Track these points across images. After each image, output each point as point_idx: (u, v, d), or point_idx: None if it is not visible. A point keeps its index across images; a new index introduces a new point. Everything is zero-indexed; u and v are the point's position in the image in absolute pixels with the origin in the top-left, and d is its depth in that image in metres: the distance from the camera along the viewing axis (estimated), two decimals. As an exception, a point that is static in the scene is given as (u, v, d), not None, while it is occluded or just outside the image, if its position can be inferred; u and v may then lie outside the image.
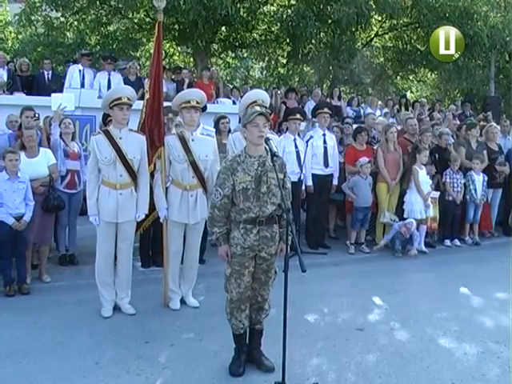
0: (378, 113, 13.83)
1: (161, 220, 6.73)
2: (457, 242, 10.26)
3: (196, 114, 6.58)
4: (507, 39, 19.36)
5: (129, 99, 6.39)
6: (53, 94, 8.19)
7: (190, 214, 6.60)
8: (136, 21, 19.88)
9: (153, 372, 5.06)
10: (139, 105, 11.06)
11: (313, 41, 18.92)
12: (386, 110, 14.76)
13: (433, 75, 24.52)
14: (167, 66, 17.83)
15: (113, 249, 6.57)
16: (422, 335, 6.01)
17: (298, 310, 6.49)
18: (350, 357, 5.40)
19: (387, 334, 6.06)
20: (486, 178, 10.37)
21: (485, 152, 10.64)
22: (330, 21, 18.23)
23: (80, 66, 13.11)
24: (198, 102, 6.57)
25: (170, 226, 6.76)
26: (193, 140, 6.57)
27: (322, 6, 18.28)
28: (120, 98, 6.28)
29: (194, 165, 6.53)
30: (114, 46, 19.57)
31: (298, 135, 9.49)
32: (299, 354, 5.35)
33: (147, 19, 19.50)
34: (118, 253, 6.60)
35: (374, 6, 18.14)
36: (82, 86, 12.73)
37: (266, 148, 4.90)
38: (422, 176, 9.54)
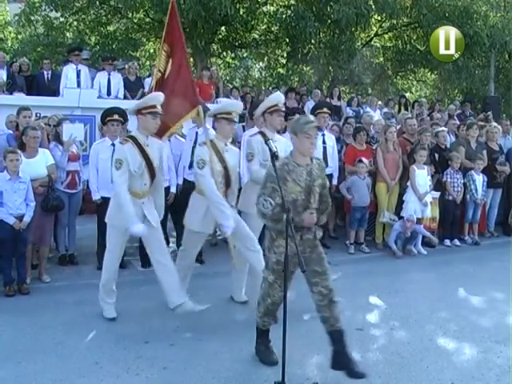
0: (377, 113, 13.82)
1: (227, 234, 6.35)
2: (456, 241, 10.25)
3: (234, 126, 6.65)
4: (507, 39, 19.35)
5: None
6: (65, 125, 8.22)
7: (216, 224, 6.49)
8: (136, 21, 19.90)
9: (152, 372, 5.06)
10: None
11: (312, 41, 18.91)
12: (385, 109, 14.75)
13: (432, 75, 24.51)
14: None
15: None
16: (421, 335, 6.01)
17: (298, 310, 6.48)
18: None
19: (387, 334, 6.07)
20: (485, 178, 10.36)
21: (484, 152, 10.64)
22: (329, 21, 18.22)
23: (73, 66, 13.10)
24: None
25: (191, 236, 6.66)
26: (227, 151, 6.51)
27: (321, 6, 18.27)
28: (155, 106, 6.05)
29: (227, 175, 6.46)
30: (114, 46, 19.60)
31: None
32: (299, 354, 5.34)
33: (147, 19, 19.53)
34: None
35: (373, 6, 18.14)
36: (78, 85, 12.72)
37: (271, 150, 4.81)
38: (422, 176, 9.54)
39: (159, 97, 6.15)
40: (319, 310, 5.02)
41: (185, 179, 8.69)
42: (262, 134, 6.87)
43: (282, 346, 4.58)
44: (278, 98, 7.23)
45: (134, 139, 6.05)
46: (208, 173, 6.18)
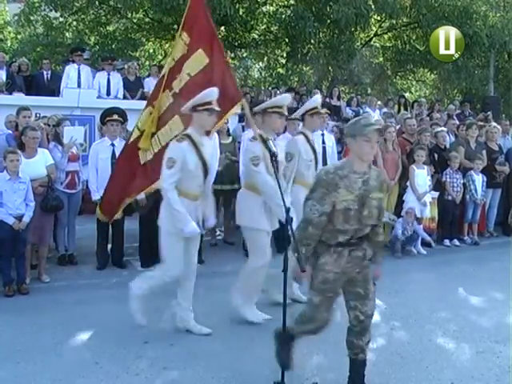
0: (377, 113, 13.82)
1: None
2: (456, 241, 10.25)
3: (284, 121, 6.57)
4: (506, 39, 19.36)
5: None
6: (65, 128, 8.22)
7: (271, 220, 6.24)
8: (135, 21, 19.90)
9: (152, 372, 5.06)
10: (137, 105, 11.09)
11: (312, 41, 18.93)
12: (385, 109, 14.75)
13: (432, 75, 24.52)
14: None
15: None
16: (421, 335, 6.01)
17: (297, 310, 6.48)
18: (346, 356, 5.38)
19: (386, 334, 6.07)
20: (485, 178, 10.37)
21: (484, 152, 10.65)
22: (328, 21, 18.23)
23: (75, 65, 13.12)
24: None
25: (258, 236, 6.23)
26: (275, 146, 6.27)
27: (320, 6, 18.28)
28: (210, 103, 5.71)
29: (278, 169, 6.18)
30: (113, 46, 19.59)
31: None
32: (299, 354, 5.33)
33: (146, 19, 19.52)
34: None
35: (373, 6, 18.15)
36: (79, 84, 12.73)
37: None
38: (421, 176, 9.55)
39: (214, 93, 5.82)
40: (349, 334, 4.63)
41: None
42: (304, 134, 6.99)
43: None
44: (318, 100, 7.32)
45: (189, 137, 5.71)
46: (264, 169, 5.96)
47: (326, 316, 4.52)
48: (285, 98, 6.61)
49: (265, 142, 6.02)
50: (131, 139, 7.15)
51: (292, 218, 4.78)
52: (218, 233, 10.21)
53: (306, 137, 6.97)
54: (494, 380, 5.01)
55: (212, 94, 5.78)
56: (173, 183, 5.61)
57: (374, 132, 4.27)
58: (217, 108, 5.81)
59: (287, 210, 4.66)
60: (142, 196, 8.04)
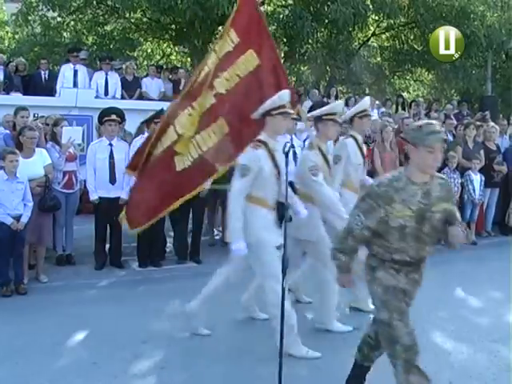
0: (375, 112, 13.82)
1: None
2: (454, 241, 10.24)
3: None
4: (504, 39, 19.37)
5: None
6: (64, 128, 8.22)
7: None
8: (133, 21, 19.84)
9: (150, 372, 5.06)
10: (135, 104, 11.10)
11: (310, 41, 18.89)
12: (383, 109, 14.76)
13: (430, 75, 24.52)
14: (164, 66, 17.85)
15: None
16: (419, 334, 5.96)
17: (296, 309, 6.48)
18: (347, 356, 5.37)
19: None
20: (483, 178, 10.38)
21: (482, 151, 10.66)
22: (326, 21, 18.20)
23: (71, 65, 13.11)
24: None
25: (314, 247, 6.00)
26: (330, 154, 6.23)
27: (318, 6, 18.27)
28: (285, 106, 5.41)
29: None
30: (111, 46, 19.56)
31: (295, 135, 9.48)
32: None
33: (144, 19, 19.48)
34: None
35: (370, 6, 18.14)
36: (75, 84, 12.72)
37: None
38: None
39: (287, 95, 5.54)
40: (363, 342, 4.54)
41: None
42: (354, 137, 6.84)
43: (280, 346, 4.56)
44: (368, 103, 7.28)
45: (265, 144, 5.36)
46: (322, 179, 5.72)
47: (406, 331, 4.05)
48: (338, 105, 6.44)
49: (320, 150, 5.94)
50: (167, 143, 6.48)
51: (291, 218, 4.73)
52: (216, 233, 10.21)
53: (356, 140, 6.82)
54: (491, 379, 5.01)
55: (285, 96, 5.50)
56: (243, 192, 5.25)
57: (439, 142, 3.89)
58: (291, 111, 5.59)
59: (287, 209, 4.61)
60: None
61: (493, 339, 5.89)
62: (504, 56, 21.28)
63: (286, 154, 4.65)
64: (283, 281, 4.51)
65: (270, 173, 5.29)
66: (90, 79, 13.15)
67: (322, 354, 5.40)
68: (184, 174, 6.39)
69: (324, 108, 6.13)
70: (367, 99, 7.48)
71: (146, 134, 8.29)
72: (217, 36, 19.61)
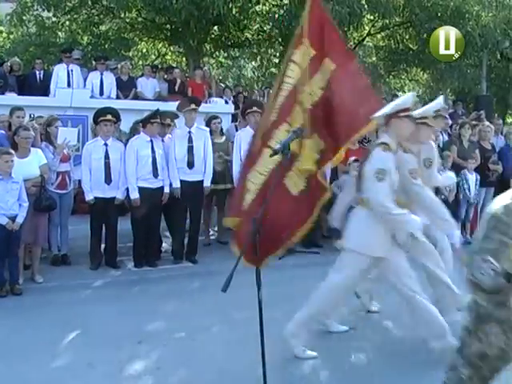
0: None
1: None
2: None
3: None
4: (499, 39, 19.40)
5: None
6: (60, 128, 8.22)
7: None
8: (128, 20, 19.84)
9: (146, 372, 5.05)
10: (130, 104, 11.08)
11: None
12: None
13: (425, 74, 24.58)
14: (159, 66, 17.84)
15: None
16: (415, 335, 5.99)
17: (290, 310, 6.47)
18: (342, 356, 5.39)
19: (380, 333, 6.07)
20: (478, 177, 10.40)
21: (477, 151, 10.68)
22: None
23: (64, 65, 13.09)
24: None
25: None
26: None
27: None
28: (409, 109, 5.20)
29: None
30: (106, 46, 19.56)
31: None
32: (291, 353, 5.34)
33: (139, 19, 19.48)
34: None
35: (366, 6, 18.15)
36: (69, 84, 12.70)
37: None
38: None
39: (411, 99, 5.33)
40: None
41: (182, 180, 8.55)
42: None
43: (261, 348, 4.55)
44: (442, 103, 6.77)
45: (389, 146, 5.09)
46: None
47: None
48: (409, 98, 5.53)
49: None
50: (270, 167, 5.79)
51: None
52: (212, 233, 10.21)
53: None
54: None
55: (409, 100, 5.31)
56: (388, 196, 4.98)
57: None
58: (415, 114, 5.36)
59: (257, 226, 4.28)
60: (136, 196, 8.06)
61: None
62: (499, 56, 21.31)
63: (277, 152, 4.59)
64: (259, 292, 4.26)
65: (395, 177, 5.09)
66: (85, 79, 13.13)
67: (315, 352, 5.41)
68: (300, 197, 5.87)
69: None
70: (441, 98, 6.72)
71: (143, 134, 8.29)
72: (212, 36, 19.67)
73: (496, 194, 10.93)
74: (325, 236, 10.26)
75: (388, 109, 5.17)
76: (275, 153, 4.55)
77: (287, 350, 5.28)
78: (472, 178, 10.32)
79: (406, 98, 5.37)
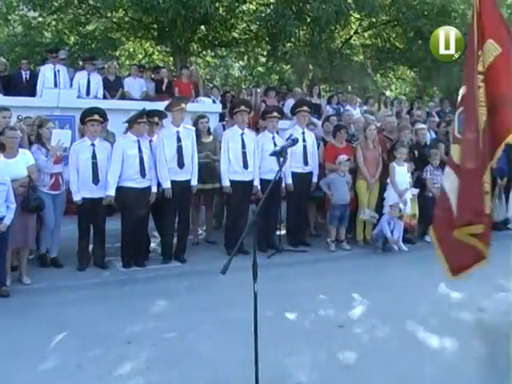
0: (357, 110, 13.87)
1: None
2: (436, 238, 10.31)
3: None
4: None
5: None
6: (54, 130, 8.20)
7: None
8: (115, 20, 19.79)
9: (135, 373, 5.04)
10: (117, 104, 11.03)
11: (292, 39, 18.93)
12: (365, 107, 14.80)
13: (412, 73, 24.62)
14: (146, 66, 17.81)
15: None
16: (403, 331, 6.04)
17: (279, 308, 6.51)
18: (330, 354, 5.41)
19: (368, 331, 6.08)
20: (465, 174, 10.44)
21: (464, 148, 10.72)
22: (309, 19, 18.25)
23: (51, 65, 13.03)
24: None
25: None
26: None
27: (301, 5, 18.29)
28: None
29: None
30: (93, 46, 19.48)
31: (277, 133, 9.52)
32: (281, 352, 5.35)
33: (126, 18, 19.43)
34: None
35: (352, 5, 18.20)
36: (56, 84, 12.64)
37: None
38: (401, 173, 9.61)
39: None
40: None
41: (172, 181, 8.48)
42: None
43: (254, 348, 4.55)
44: None
45: None
46: None
47: None
48: None
49: None
50: None
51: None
52: (200, 232, 10.21)
53: None
54: (474, 375, 5.04)
55: None
56: None
57: None
58: None
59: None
60: (112, 194, 8.05)
61: (475, 335, 5.92)
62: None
63: (276, 153, 4.66)
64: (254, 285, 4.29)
65: None
66: (71, 79, 13.06)
67: (303, 349, 5.42)
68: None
69: None
70: None
71: (130, 134, 8.27)
72: (199, 35, 19.65)
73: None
74: (312, 235, 10.31)
75: None
76: (274, 154, 4.71)
77: (279, 349, 5.29)
78: (459, 175, 10.36)
79: None
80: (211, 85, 17.43)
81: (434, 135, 11.63)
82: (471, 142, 5.63)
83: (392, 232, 9.37)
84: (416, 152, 10.28)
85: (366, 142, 9.75)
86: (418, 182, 10.11)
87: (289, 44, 19.47)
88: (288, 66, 22.50)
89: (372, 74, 23.60)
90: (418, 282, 7.97)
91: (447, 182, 5.82)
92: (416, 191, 9.89)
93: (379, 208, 9.73)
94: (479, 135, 5.39)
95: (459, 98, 6.16)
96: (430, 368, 5.16)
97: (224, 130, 10.16)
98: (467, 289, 7.54)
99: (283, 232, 9.81)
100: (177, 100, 9.11)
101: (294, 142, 4.89)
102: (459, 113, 6.17)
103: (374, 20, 20.58)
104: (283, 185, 9.28)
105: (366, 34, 22.28)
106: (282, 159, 4.64)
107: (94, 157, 8.11)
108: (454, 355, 5.49)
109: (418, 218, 10.07)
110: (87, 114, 8.24)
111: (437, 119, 12.97)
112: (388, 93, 25.00)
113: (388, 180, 9.66)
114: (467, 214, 5.53)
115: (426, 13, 18.86)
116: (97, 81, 12.99)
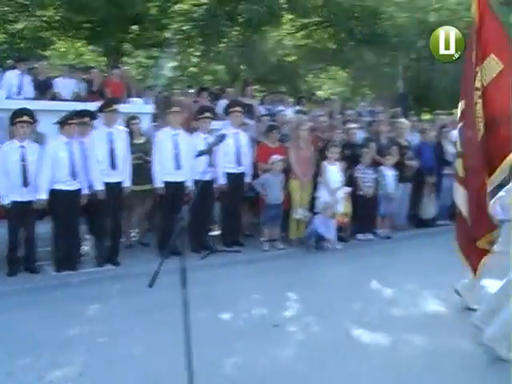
0: (290, 111, 13.95)
1: None
2: (369, 235, 10.51)
3: None
4: (414, 39, 19.95)
5: None
6: None
7: None
8: (45, 19, 19.39)
9: (67, 379, 4.95)
10: (48, 105, 10.77)
11: (225, 40, 18.96)
12: (298, 107, 14.91)
13: (343, 73, 24.99)
14: (77, 66, 17.51)
15: None
16: (337, 328, 6.11)
17: (213, 309, 6.52)
18: (266, 354, 5.44)
19: (303, 329, 6.13)
20: (396, 173, 10.66)
21: (394, 147, 10.94)
22: (241, 20, 18.30)
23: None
24: None
25: None
26: None
27: (233, 5, 18.33)
28: None
29: None
30: (22, 45, 19.04)
31: (210, 134, 9.50)
32: (216, 352, 5.35)
33: (56, 17, 19.06)
34: None
35: (285, 6, 18.34)
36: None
37: None
38: (333, 172, 9.74)
39: None
40: None
41: (104, 182, 8.37)
42: None
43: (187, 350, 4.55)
44: None
45: None
46: None
47: None
48: None
49: None
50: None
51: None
52: (133, 234, 10.11)
53: None
54: (406, 368, 5.14)
55: None
56: None
57: None
58: None
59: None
60: (44, 197, 7.90)
61: (408, 329, 6.05)
62: (414, 55, 21.89)
63: (202, 153, 4.63)
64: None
65: None
66: (0, 79, 12.75)
67: (237, 350, 5.43)
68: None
69: None
70: None
71: (60, 136, 8.12)
72: (132, 35, 19.46)
73: (413, 189, 11.30)
74: (246, 235, 10.33)
75: None
76: (200, 154, 4.87)
77: (214, 350, 5.29)
78: (390, 173, 10.58)
79: None
80: (143, 85, 17.27)
81: (365, 134, 11.80)
82: (471, 139, 6.24)
83: (325, 231, 9.48)
84: (347, 151, 10.44)
85: (299, 141, 9.83)
86: (350, 181, 10.27)
87: (221, 44, 19.48)
88: (221, 67, 22.51)
89: (304, 75, 23.86)
90: (350, 280, 8.10)
91: (457, 197, 6.64)
92: (348, 190, 10.03)
93: (312, 207, 9.83)
94: (477, 136, 6.03)
95: (458, 113, 6.57)
96: (364, 363, 5.25)
97: (156, 130, 10.09)
98: (398, 285, 7.72)
99: (217, 232, 9.81)
100: (109, 101, 9.00)
101: (221, 138, 4.76)
102: (460, 127, 6.61)
103: (307, 21, 20.79)
104: (216, 185, 9.30)
105: (298, 35, 22.48)
106: (210, 158, 4.57)
107: (23, 159, 7.93)
108: (387, 349, 5.59)
109: (351, 217, 10.23)
110: (16, 115, 8.05)
111: (368, 119, 13.19)
112: (320, 93, 25.26)
113: (320, 179, 9.78)
114: (484, 224, 6.17)
115: (356, 14, 19.17)
116: (27, 81, 12.70)
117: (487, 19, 6.27)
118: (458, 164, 6.68)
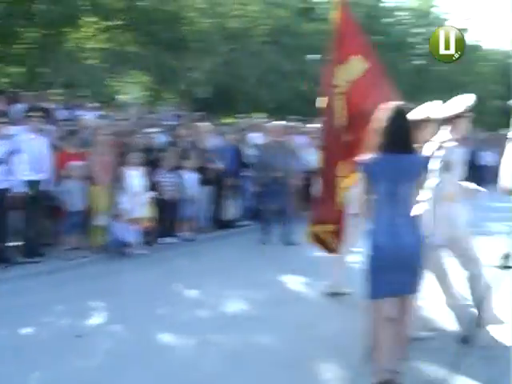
0: (91, 115, 13.67)
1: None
2: (173, 239, 10.57)
3: None
4: (217, 44, 20.42)
5: None
6: None
7: None
8: None
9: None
10: None
11: (22, 40, 18.16)
12: (98, 112, 14.65)
13: (147, 77, 24.91)
14: None
15: None
16: (142, 334, 6.04)
17: (14, 324, 6.24)
18: (70, 365, 5.27)
19: (107, 338, 6.02)
20: (197, 176, 10.82)
21: (196, 151, 11.10)
22: (37, 20, 17.61)
23: None
24: None
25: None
26: None
27: (29, 4, 17.59)
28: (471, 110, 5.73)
29: None
30: None
31: (5, 139, 9.03)
32: (18, 369, 5.08)
33: None
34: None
35: (85, 7, 17.95)
36: None
37: None
38: (135, 177, 9.67)
39: (472, 101, 5.72)
40: None
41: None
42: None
43: None
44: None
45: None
46: None
47: None
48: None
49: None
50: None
51: None
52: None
53: None
54: (210, 370, 5.16)
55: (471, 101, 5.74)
56: None
57: None
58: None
59: None
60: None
61: (214, 330, 6.13)
62: (221, 59, 22.32)
63: None
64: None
65: None
66: None
67: (38, 365, 5.24)
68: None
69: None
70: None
71: None
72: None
73: (215, 191, 11.55)
74: (46, 244, 9.92)
75: (455, 111, 5.72)
76: None
77: (16, 367, 5.05)
78: (191, 176, 10.72)
79: (469, 99, 5.75)
80: None
81: (168, 139, 11.86)
82: (329, 133, 7.06)
83: (127, 236, 9.42)
84: (149, 156, 10.41)
85: (99, 146, 9.66)
86: (153, 186, 10.25)
87: (17, 45, 18.63)
88: (18, 69, 21.49)
89: (105, 78, 23.45)
90: (155, 284, 8.09)
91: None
92: (152, 194, 10.01)
93: (114, 213, 9.69)
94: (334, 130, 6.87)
95: (321, 109, 7.25)
96: (166, 367, 5.24)
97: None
98: (203, 286, 7.86)
99: (17, 243, 9.34)
100: None
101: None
102: (321, 122, 7.38)
103: (110, 24, 20.50)
104: (12, 193, 8.87)
105: (101, 38, 22.08)
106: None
107: None
108: (194, 350, 5.62)
109: (155, 221, 10.22)
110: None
111: (172, 123, 13.28)
112: (121, 97, 25.02)
113: (120, 185, 9.66)
114: (324, 215, 7.07)
115: (157, 18, 19.23)
116: None
117: (349, 24, 7.02)
118: (319, 156, 7.37)
